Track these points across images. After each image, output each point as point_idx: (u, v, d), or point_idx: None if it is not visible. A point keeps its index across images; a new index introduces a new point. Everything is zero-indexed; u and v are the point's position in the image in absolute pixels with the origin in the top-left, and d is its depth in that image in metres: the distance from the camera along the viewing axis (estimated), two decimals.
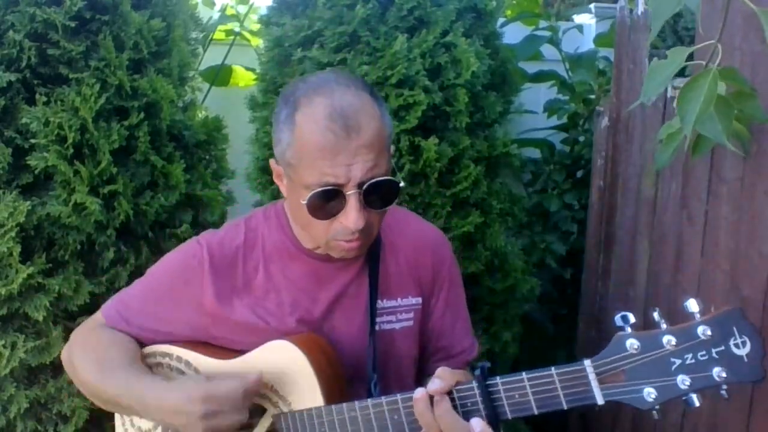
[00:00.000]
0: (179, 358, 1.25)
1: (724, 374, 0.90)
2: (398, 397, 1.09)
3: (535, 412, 0.99)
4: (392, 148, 1.21)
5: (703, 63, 0.95)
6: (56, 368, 1.60)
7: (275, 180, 1.24)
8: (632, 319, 0.96)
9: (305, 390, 1.15)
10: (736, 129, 1.22)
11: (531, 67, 2.64)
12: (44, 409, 1.60)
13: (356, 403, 1.12)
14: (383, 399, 1.10)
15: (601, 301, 2.05)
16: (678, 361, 0.92)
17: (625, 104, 1.93)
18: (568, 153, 2.60)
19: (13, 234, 1.51)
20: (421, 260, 1.32)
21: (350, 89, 1.11)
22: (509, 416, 1.01)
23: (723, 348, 0.91)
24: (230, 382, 1.09)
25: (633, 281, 1.88)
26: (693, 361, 0.92)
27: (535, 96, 2.67)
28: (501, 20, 2.46)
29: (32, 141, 1.55)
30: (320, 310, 1.25)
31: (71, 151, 1.56)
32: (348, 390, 1.20)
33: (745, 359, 0.90)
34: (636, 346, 0.94)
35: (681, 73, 1.09)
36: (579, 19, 3.24)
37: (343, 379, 1.20)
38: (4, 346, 1.54)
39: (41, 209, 1.55)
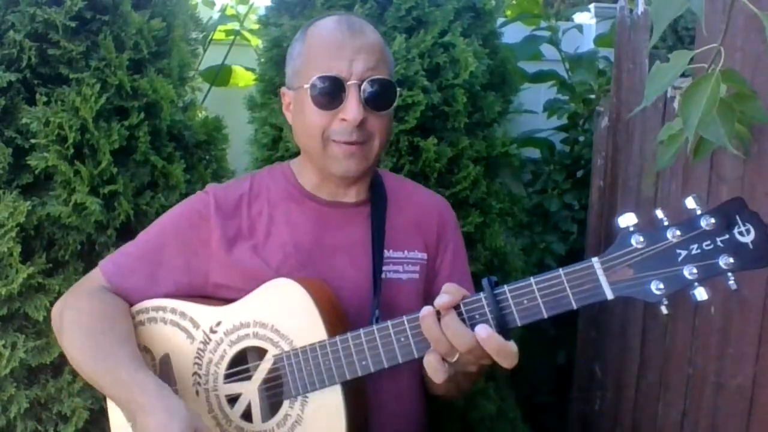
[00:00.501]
0: (174, 310, 1.24)
1: (731, 260, 0.90)
2: (404, 318, 1.08)
3: (545, 315, 0.99)
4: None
5: (705, 66, 0.95)
6: (56, 368, 1.60)
7: (284, 111, 1.31)
8: (634, 219, 0.95)
9: (307, 326, 1.13)
10: (737, 131, 1.22)
11: (531, 67, 2.64)
12: (44, 409, 1.60)
13: (361, 330, 1.10)
14: (389, 322, 1.08)
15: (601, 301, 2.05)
16: (684, 252, 0.92)
17: (625, 104, 1.93)
18: (568, 153, 2.61)
19: (13, 234, 1.51)
20: (426, 220, 1.35)
21: (361, 18, 1.28)
22: (518, 323, 1.01)
23: (727, 236, 0.91)
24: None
25: None
26: (699, 251, 0.92)
27: (535, 96, 2.67)
28: (501, 20, 2.46)
29: (32, 141, 1.55)
30: (324, 255, 1.26)
31: (71, 151, 1.56)
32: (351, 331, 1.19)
33: (751, 246, 0.90)
34: (641, 241, 0.94)
35: (682, 74, 1.09)
36: (579, 19, 3.24)
37: (346, 318, 1.19)
38: (4, 346, 1.54)
39: (41, 209, 1.55)
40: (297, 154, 1.80)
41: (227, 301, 1.23)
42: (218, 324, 1.21)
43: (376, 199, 1.32)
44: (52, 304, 1.55)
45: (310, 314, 1.13)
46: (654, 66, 0.99)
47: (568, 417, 2.25)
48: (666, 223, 0.94)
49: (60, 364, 1.60)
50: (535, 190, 2.58)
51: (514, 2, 3.06)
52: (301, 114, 1.23)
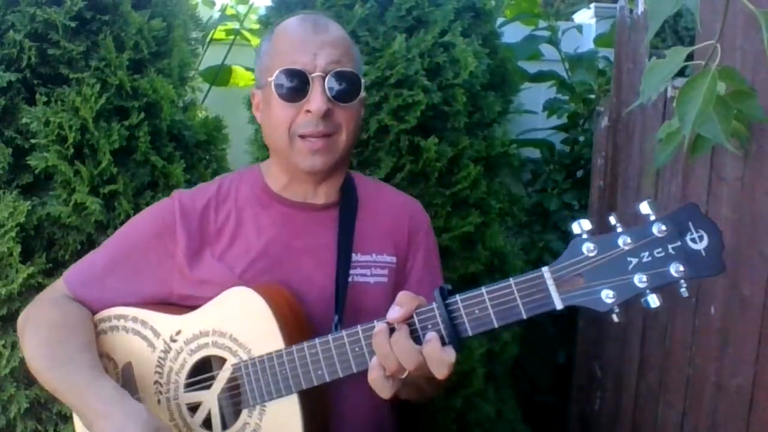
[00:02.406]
0: (135, 318, 1.23)
1: (682, 268, 0.89)
2: (359, 328, 1.07)
3: (496, 325, 0.99)
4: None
5: (703, 63, 0.95)
6: None
7: (254, 112, 1.31)
8: (588, 225, 0.94)
9: (265, 335, 1.13)
10: (735, 128, 1.22)
11: (531, 67, 2.64)
12: (44, 409, 1.60)
13: (316, 339, 1.10)
14: (344, 332, 1.08)
15: None
16: (634, 260, 0.91)
17: (625, 104, 1.93)
18: (568, 153, 2.61)
19: (13, 234, 1.51)
20: (397, 223, 1.34)
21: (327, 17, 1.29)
22: (470, 333, 1.00)
23: (679, 243, 0.90)
24: None
25: None
26: (649, 258, 0.91)
27: (535, 96, 2.67)
28: (500, 20, 2.46)
29: (32, 141, 1.56)
30: (291, 258, 1.25)
31: (71, 151, 1.56)
32: (312, 338, 1.17)
33: (703, 253, 0.89)
34: (592, 249, 0.93)
35: (681, 74, 1.09)
36: (579, 18, 3.25)
37: (307, 324, 1.19)
38: (4, 346, 1.54)
39: (41, 209, 1.55)
40: None
41: (189, 308, 1.22)
42: (178, 333, 1.20)
43: (347, 202, 1.30)
44: None
45: (267, 323, 1.13)
46: (650, 62, 0.99)
47: (568, 417, 2.25)
48: (619, 230, 0.93)
49: None
50: (535, 189, 2.58)
51: (512, 2, 3.06)
52: (268, 110, 1.23)
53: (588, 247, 0.93)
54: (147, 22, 1.67)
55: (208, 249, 1.25)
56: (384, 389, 1.03)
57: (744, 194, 1.49)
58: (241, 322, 1.15)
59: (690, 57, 1.01)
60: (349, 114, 1.22)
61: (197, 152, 1.82)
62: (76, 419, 1.26)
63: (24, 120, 1.54)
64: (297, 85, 1.18)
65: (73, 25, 1.56)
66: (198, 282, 1.23)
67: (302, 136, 1.20)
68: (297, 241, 1.26)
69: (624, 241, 0.92)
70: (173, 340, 1.21)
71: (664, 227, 0.90)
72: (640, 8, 1.87)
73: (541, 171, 2.58)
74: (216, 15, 2.55)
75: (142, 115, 1.64)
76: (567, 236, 2.48)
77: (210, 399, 1.18)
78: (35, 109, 1.55)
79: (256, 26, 2.36)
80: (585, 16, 3.20)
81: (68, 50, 1.57)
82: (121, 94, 1.63)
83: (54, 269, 1.59)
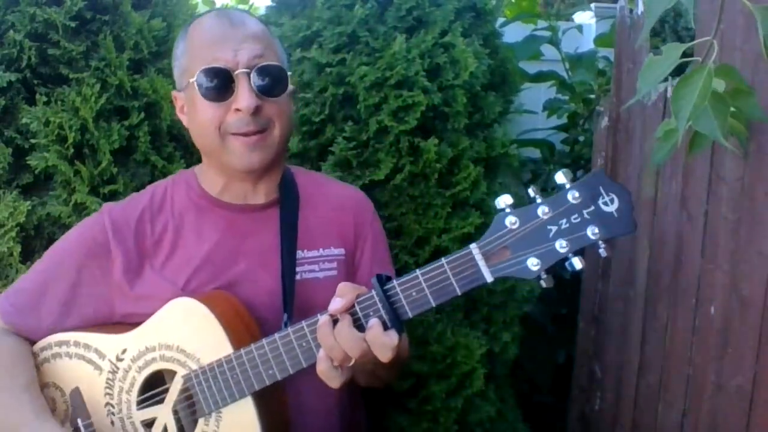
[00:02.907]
0: (77, 343, 1.21)
1: (597, 231, 0.94)
2: (304, 323, 1.08)
3: (433, 304, 1.02)
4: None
5: (699, 60, 0.95)
6: None
7: (178, 114, 1.27)
8: (510, 200, 1.00)
9: (212, 343, 1.12)
10: (733, 127, 1.22)
11: (531, 67, 2.64)
12: None
13: (263, 339, 1.10)
14: (290, 329, 1.09)
15: (601, 301, 2.05)
16: (554, 228, 0.97)
17: (625, 104, 1.93)
18: (568, 153, 2.61)
19: (13, 234, 1.51)
20: (341, 215, 1.33)
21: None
22: (410, 315, 1.03)
23: (593, 208, 0.95)
24: None
25: (633, 281, 1.88)
26: (567, 225, 0.96)
27: (535, 96, 2.68)
28: (500, 20, 2.46)
29: (32, 141, 1.56)
30: (235, 262, 1.23)
31: (71, 151, 1.57)
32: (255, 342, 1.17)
33: (615, 214, 0.95)
34: (514, 221, 0.99)
35: (682, 72, 1.09)
36: (579, 18, 3.25)
37: (256, 328, 1.18)
38: None
39: (41, 209, 1.56)
40: (296, 154, 1.82)
41: (134, 325, 1.20)
42: (124, 351, 1.19)
43: (287, 198, 1.28)
44: None
45: (213, 330, 1.12)
46: (648, 59, 0.99)
47: (568, 417, 2.25)
48: (538, 201, 0.98)
49: None
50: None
51: (513, 1, 3.06)
52: (194, 112, 1.19)
53: (510, 220, 0.99)
54: (147, 22, 1.67)
55: (147, 262, 1.22)
56: (333, 379, 1.05)
57: (744, 194, 1.49)
58: (187, 333, 1.15)
59: (691, 56, 1.01)
60: (279, 108, 1.19)
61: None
62: None
63: (24, 120, 1.55)
64: (221, 84, 1.14)
65: (73, 25, 1.56)
66: (140, 298, 1.20)
67: (234, 134, 1.17)
68: (240, 245, 1.24)
69: (543, 211, 0.97)
70: (120, 360, 1.19)
71: (577, 194, 0.96)
72: (640, 8, 1.87)
73: (541, 171, 2.58)
74: None
75: (142, 115, 1.64)
76: None
77: (164, 413, 1.17)
78: (35, 109, 1.55)
79: None
80: (585, 16, 3.21)
81: (68, 50, 1.57)
82: (121, 94, 1.64)
83: None
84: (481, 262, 1.00)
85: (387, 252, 1.42)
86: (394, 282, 1.03)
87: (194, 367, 1.14)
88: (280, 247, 1.24)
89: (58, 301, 1.22)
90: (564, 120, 2.64)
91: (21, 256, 1.54)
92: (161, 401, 1.17)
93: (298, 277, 1.24)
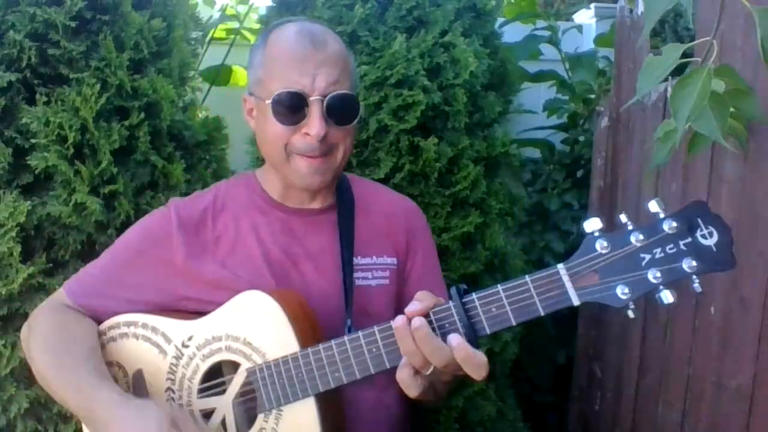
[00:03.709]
0: (145, 325, 1.23)
1: (694, 263, 0.91)
2: (375, 329, 1.07)
3: (513, 323, 0.99)
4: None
5: (699, 60, 0.95)
6: None
7: (246, 117, 1.29)
8: (599, 224, 0.96)
9: (279, 339, 1.12)
10: (733, 127, 1.22)
11: (531, 67, 2.64)
12: (44, 409, 1.60)
13: (333, 341, 1.09)
14: (360, 333, 1.07)
15: None
16: (647, 256, 0.93)
17: (625, 104, 1.93)
18: (568, 153, 2.61)
19: (13, 234, 1.51)
20: (394, 225, 1.33)
21: (321, 24, 1.25)
22: (488, 331, 1.01)
23: (690, 239, 0.92)
24: None
25: None
26: (662, 254, 0.92)
27: (535, 96, 2.68)
28: (500, 20, 2.46)
29: (32, 141, 1.55)
30: (293, 264, 1.24)
31: (72, 151, 1.56)
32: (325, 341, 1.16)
33: (714, 249, 0.91)
34: (606, 246, 0.95)
35: (682, 72, 1.09)
36: (579, 19, 3.25)
37: (319, 329, 1.17)
38: (4, 346, 1.54)
39: (41, 209, 1.55)
40: None
41: (198, 314, 1.21)
42: (190, 338, 1.19)
43: (343, 205, 1.29)
44: None
45: (281, 327, 1.12)
46: (647, 59, 0.99)
47: (568, 417, 2.26)
48: (630, 228, 0.95)
49: None
50: (535, 189, 2.58)
51: (512, 1, 3.06)
52: (263, 124, 1.21)
53: (601, 244, 0.95)
54: (147, 22, 1.66)
55: (209, 256, 1.24)
56: (411, 387, 1.03)
57: (744, 194, 1.49)
58: (255, 326, 1.14)
59: (691, 56, 1.01)
60: (345, 134, 1.20)
61: (197, 152, 1.82)
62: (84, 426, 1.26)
63: (24, 120, 1.54)
64: (295, 108, 1.15)
65: (73, 25, 1.56)
66: (202, 284, 1.23)
67: (299, 155, 1.18)
68: (297, 247, 1.26)
69: (636, 238, 0.93)
70: (185, 346, 1.20)
71: (674, 224, 0.92)
72: (640, 8, 1.87)
73: (541, 171, 2.58)
74: (216, 15, 2.55)
75: (142, 115, 1.64)
76: (567, 236, 2.50)
77: (224, 404, 1.17)
78: (35, 109, 1.55)
79: (257, 26, 2.36)
80: (585, 17, 3.20)
81: (68, 50, 1.57)
82: (121, 94, 1.63)
83: (54, 269, 1.59)
84: (568, 283, 0.96)
85: (438, 266, 1.41)
86: (474, 295, 1.01)
87: (259, 361, 1.14)
88: (340, 252, 1.25)
89: (121, 286, 1.26)
90: (564, 119, 2.64)
91: (21, 256, 1.53)
92: (222, 392, 1.17)
93: (353, 283, 1.25)
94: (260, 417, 1.14)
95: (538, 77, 2.65)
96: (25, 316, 1.56)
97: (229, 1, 2.62)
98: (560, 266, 0.97)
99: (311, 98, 1.15)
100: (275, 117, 1.16)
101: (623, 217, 0.96)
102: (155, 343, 1.22)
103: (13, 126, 1.57)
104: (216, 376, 1.19)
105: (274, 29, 1.23)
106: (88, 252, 1.63)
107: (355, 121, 1.21)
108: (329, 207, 1.29)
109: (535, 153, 2.65)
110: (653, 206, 0.94)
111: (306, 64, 1.15)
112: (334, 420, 1.16)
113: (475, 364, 0.98)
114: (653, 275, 0.92)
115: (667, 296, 0.92)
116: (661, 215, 0.93)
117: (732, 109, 1.02)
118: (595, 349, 2.10)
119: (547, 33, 2.70)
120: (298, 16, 1.85)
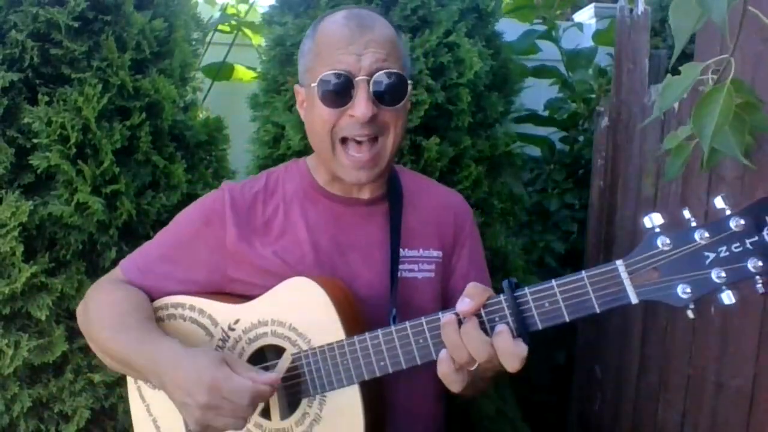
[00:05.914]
0: (192, 307, 1.25)
1: (760, 264, 0.86)
2: (423, 320, 1.06)
3: (567, 319, 0.96)
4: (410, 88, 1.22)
5: (708, 77, 0.94)
6: (58, 368, 1.61)
7: (298, 108, 1.29)
8: (660, 219, 0.92)
9: (326, 326, 1.12)
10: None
11: (529, 64, 2.64)
12: (46, 409, 1.61)
13: (379, 330, 1.09)
14: (407, 323, 1.07)
15: None
16: (712, 255, 0.89)
17: (625, 104, 1.94)
18: (568, 152, 2.61)
19: (15, 233, 1.51)
20: (442, 217, 1.34)
21: (372, 10, 1.25)
22: (539, 326, 0.99)
23: (757, 238, 0.87)
24: (242, 380, 1.03)
25: None
26: (727, 253, 0.88)
27: (536, 95, 2.68)
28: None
29: (34, 141, 1.56)
30: (340, 253, 1.25)
31: (73, 150, 1.57)
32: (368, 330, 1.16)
33: None
34: (668, 243, 0.91)
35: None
36: (578, 18, 3.25)
37: (363, 318, 1.18)
38: (7, 345, 1.55)
39: (43, 209, 1.56)
40: (298, 152, 1.82)
41: (245, 297, 1.23)
42: (236, 322, 1.21)
43: (393, 197, 1.29)
44: (54, 303, 1.56)
45: (328, 314, 1.12)
46: (667, 79, 0.98)
47: (568, 417, 2.26)
48: (693, 224, 0.91)
49: (61, 363, 1.60)
50: (536, 189, 2.58)
51: (510, 1, 3.05)
52: (311, 111, 1.21)
53: (663, 241, 0.91)
54: (149, 23, 1.67)
55: (258, 239, 1.25)
56: (454, 382, 1.03)
57: (744, 194, 1.49)
58: (301, 313, 1.15)
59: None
60: (394, 116, 1.18)
61: (198, 152, 1.82)
62: (131, 391, 1.29)
63: (26, 120, 1.55)
64: (341, 89, 1.14)
65: (75, 25, 1.56)
66: (251, 267, 1.24)
67: (344, 140, 1.18)
68: (344, 237, 1.27)
69: (701, 236, 0.90)
70: (231, 329, 1.21)
71: (742, 221, 0.88)
72: (640, 8, 1.87)
73: (541, 170, 2.58)
74: (216, 15, 2.55)
75: (144, 115, 1.64)
76: (567, 236, 2.50)
77: None
78: (37, 109, 1.56)
79: (257, 23, 2.36)
80: (584, 16, 3.20)
81: (70, 50, 1.57)
82: (123, 94, 1.64)
83: (56, 269, 1.59)
84: (626, 281, 0.93)
85: (483, 261, 1.41)
86: (526, 290, 0.99)
87: (304, 347, 1.15)
88: (389, 244, 1.26)
89: (175, 266, 1.28)
90: (563, 117, 2.64)
91: (23, 256, 1.54)
92: None
93: (398, 275, 1.25)
94: (304, 402, 1.16)
95: (539, 72, 2.64)
96: (28, 315, 1.57)
97: (229, 1, 2.63)
98: (618, 262, 0.94)
99: (357, 78, 1.13)
100: (321, 101, 1.16)
101: (687, 213, 0.92)
102: (202, 325, 1.24)
103: (15, 126, 1.57)
104: (260, 360, 1.20)
105: (324, 17, 1.23)
106: (90, 252, 1.63)
107: (404, 100, 1.19)
108: (379, 198, 1.30)
109: (535, 152, 2.65)
110: (719, 202, 0.90)
111: (352, 46, 1.14)
112: (376, 408, 1.17)
113: (510, 353, 0.97)
114: (717, 275, 0.88)
115: (729, 297, 0.89)
116: (728, 212, 0.89)
117: (748, 125, 1.01)
118: (595, 349, 2.10)
119: (543, 27, 2.69)
120: (300, 15, 1.86)
